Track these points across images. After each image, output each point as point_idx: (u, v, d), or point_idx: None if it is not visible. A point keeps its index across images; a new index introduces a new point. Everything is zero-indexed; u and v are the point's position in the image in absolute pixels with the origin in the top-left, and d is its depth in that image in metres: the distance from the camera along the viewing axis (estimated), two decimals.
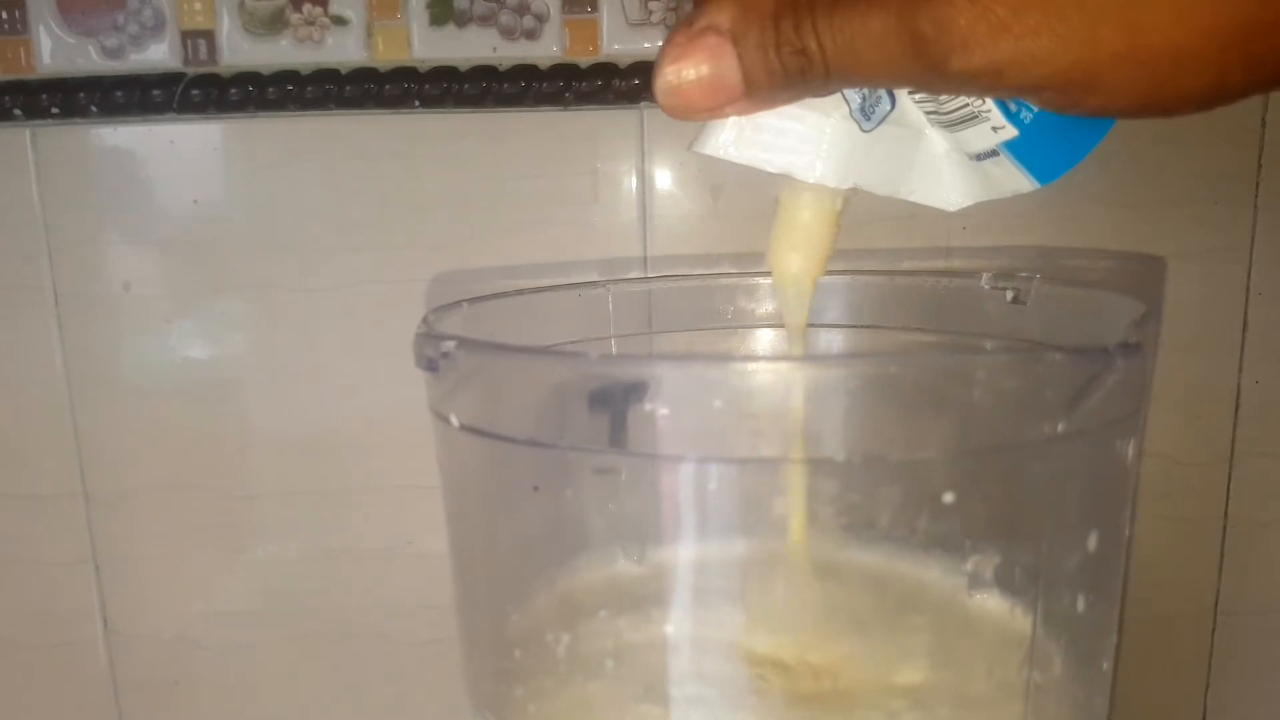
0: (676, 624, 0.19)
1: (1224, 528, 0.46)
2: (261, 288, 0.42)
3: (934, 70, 0.18)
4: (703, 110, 0.19)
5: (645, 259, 0.42)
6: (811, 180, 0.21)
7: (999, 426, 0.17)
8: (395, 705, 0.46)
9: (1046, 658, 0.20)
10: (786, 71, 0.18)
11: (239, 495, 0.44)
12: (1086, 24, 0.17)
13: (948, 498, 0.18)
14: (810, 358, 0.22)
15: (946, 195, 0.21)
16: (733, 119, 0.20)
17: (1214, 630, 0.47)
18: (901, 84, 0.20)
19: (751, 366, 0.17)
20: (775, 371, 0.18)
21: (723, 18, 0.19)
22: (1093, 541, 0.19)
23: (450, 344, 0.19)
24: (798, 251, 0.22)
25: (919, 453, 0.17)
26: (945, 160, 0.21)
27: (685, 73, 0.19)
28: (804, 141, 0.21)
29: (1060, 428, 0.17)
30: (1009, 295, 0.26)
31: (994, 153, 0.21)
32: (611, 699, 0.20)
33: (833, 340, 0.28)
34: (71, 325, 0.43)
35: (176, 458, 0.44)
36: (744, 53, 0.19)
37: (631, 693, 0.20)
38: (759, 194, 0.43)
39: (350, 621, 0.45)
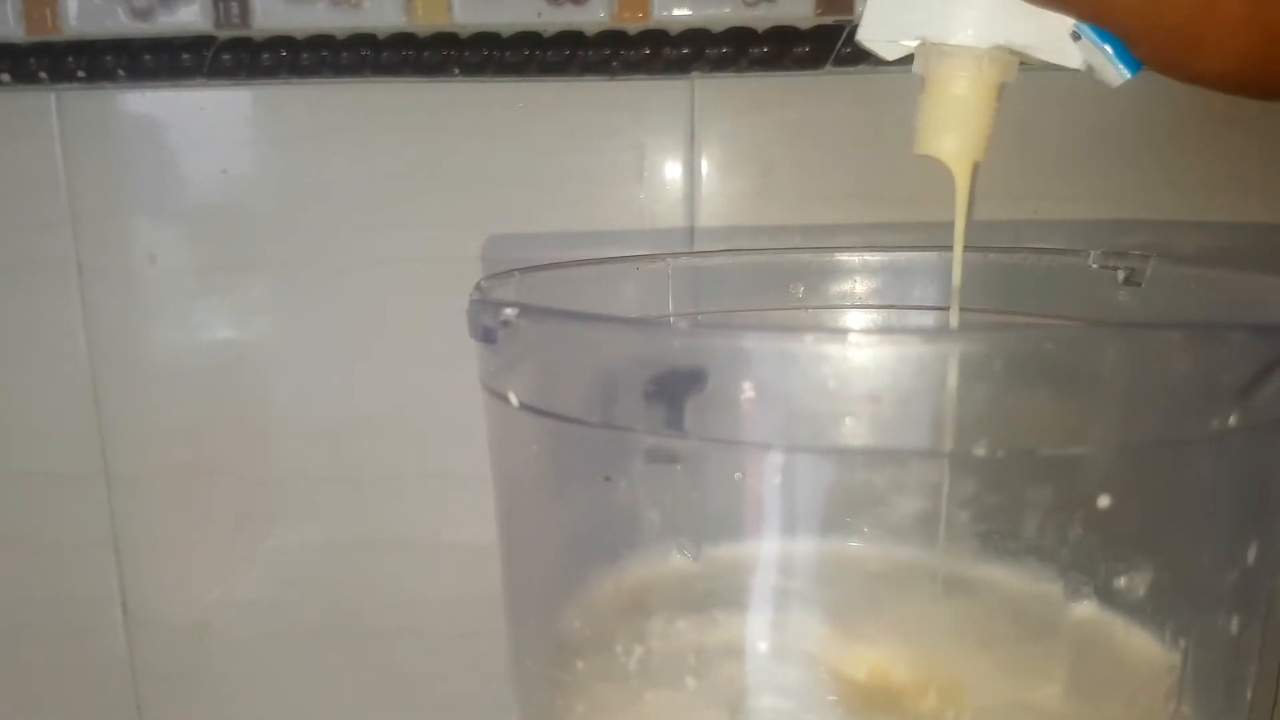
0: (771, 637, 0.17)
1: None
2: (290, 263, 0.41)
3: None
4: None
5: (692, 235, 0.40)
6: (959, 41, 0.18)
7: (1164, 418, 0.15)
8: (419, 699, 0.44)
9: (1195, 686, 0.17)
10: None
11: (262, 480, 0.42)
12: None
13: (1103, 501, 0.15)
14: (945, 331, 0.19)
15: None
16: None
17: None
18: None
19: (878, 339, 0.15)
20: (903, 346, 0.15)
21: None
22: (1252, 554, 0.17)
23: (511, 312, 0.17)
24: (953, 132, 0.19)
25: (1071, 448, 0.15)
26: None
27: None
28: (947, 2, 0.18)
29: (1232, 420, 0.15)
30: (1120, 275, 0.23)
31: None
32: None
33: (922, 322, 0.25)
34: (95, 299, 0.41)
35: (200, 439, 0.42)
36: None
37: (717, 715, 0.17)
38: (812, 174, 0.41)
39: (374, 613, 0.43)
